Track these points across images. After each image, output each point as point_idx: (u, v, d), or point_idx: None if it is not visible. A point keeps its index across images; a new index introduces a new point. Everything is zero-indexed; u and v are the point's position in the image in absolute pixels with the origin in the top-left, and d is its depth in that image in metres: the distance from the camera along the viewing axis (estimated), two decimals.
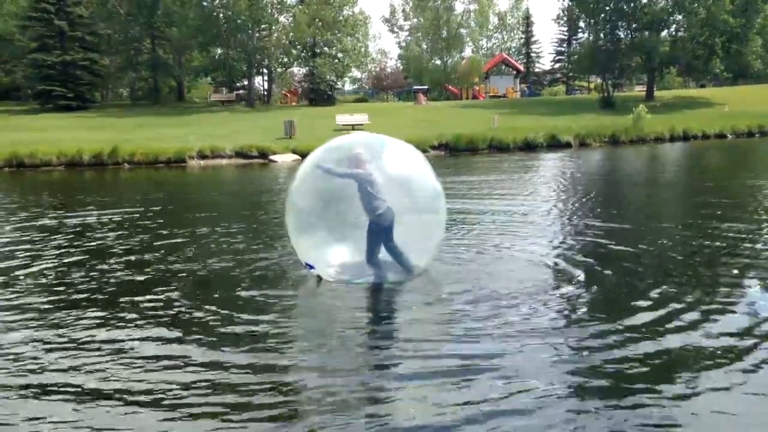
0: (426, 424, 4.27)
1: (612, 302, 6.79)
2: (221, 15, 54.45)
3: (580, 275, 7.79)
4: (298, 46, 58.36)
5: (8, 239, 11.23)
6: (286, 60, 60.26)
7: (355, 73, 73.45)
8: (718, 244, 9.32)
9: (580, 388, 4.74)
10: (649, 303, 6.63)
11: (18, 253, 9.93)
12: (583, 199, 14.82)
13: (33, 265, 9.02)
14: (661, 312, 6.33)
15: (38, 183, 22.81)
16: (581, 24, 60.88)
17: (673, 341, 5.60)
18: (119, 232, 11.62)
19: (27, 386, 4.98)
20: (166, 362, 5.40)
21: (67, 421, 4.41)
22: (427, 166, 7.92)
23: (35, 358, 5.56)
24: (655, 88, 55.01)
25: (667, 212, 13.33)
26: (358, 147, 7.55)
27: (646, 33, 51.26)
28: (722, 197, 14.32)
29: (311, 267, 7.62)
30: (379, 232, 7.42)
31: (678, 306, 6.51)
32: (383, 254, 7.62)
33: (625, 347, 5.46)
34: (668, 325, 5.97)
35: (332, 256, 7.86)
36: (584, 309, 6.54)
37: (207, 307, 6.82)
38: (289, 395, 4.77)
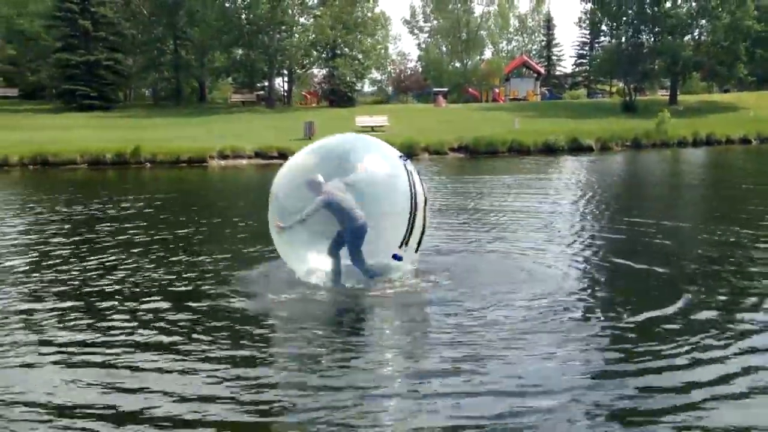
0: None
1: (637, 306, 6.71)
2: (243, 16, 54.80)
3: (600, 278, 7.77)
4: (319, 47, 58.55)
5: (24, 233, 11.40)
6: (306, 61, 60.46)
7: (375, 74, 73.58)
8: (749, 248, 9.22)
9: (606, 395, 4.68)
10: (679, 307, 6.56)
11: (30, 248, 10.07)
12: (609, 202, 14.71)
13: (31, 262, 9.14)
14: (691, 316, 6.29)
15: (61, 181, 23.06)
16: (603, 27, 60.37)
17: (704, 344, 5.53)
18: (131, 228, 11.75)
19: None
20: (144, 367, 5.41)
21: None
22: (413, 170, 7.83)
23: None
24: (678, 93, 54.45)
25: (698, 216, 13.17)
26: (315, 169, 7.39)
27: (669, 37, 50.76)
28: (755, 202, 14.15)
29: (398, 258, 7.41)
30: (358, 237, 7.29)
31: (710, 307, 6.50)
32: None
33: (653, 351, 5.40)
34: (697, 328, 5.91)
35: (312, 256, 7.72)
36: (600, 311, 6.48)
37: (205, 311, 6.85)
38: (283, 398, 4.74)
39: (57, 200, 16.47)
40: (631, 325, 6.10)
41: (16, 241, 10.96)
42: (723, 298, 6.91)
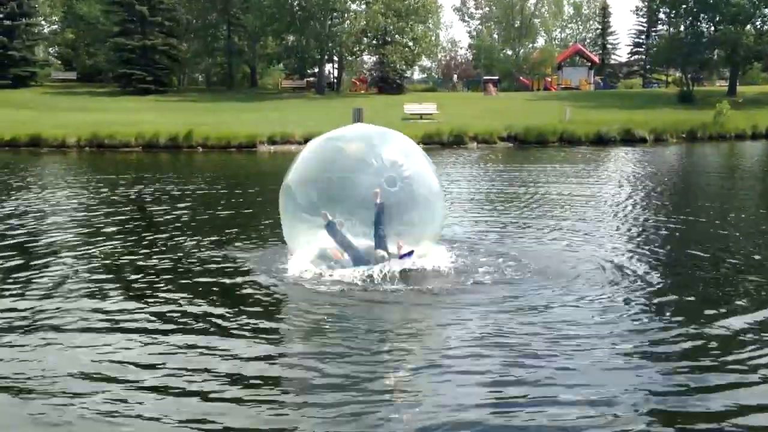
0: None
1: (684, 302, 6.56)
2: (295, 3, 55.10)
3: (667, 273, 7.60)
4: (369, 34, 58.52)
5: (80, 209, 11.80)
6: (357, 48, 60.54)
7: (425, 62, 73.14)
8: None
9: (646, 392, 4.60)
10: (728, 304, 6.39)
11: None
12: (665, 194, 14.40)
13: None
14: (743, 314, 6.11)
15: (116, 163, 23.67)
16: (661, 15, 58.76)
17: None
18: (176, 208, 12.04)
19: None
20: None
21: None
22: (427, 162, 7.87)
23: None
24: (737, 84, 52.67)
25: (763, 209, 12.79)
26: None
27: (730, 26, 49.08)
28: None
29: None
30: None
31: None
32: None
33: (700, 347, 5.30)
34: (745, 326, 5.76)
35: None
36: (643, 308, 6.36)
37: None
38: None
39: (111, 180, 16.93)
40: (708, 328, 5.75)
41: (71, 217, 11.44)
42: None
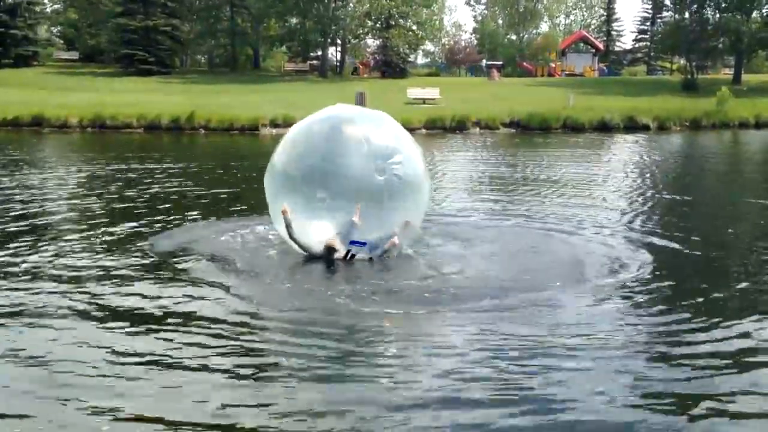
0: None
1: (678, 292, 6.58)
2: None
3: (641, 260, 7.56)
4: (373, 17, 58.19)
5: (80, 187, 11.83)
6: (360, 31, 60.20)
7: (429, 46, 72.69)
8: None
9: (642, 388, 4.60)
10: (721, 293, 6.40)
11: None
12: (665, 182, 14.39)
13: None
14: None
15: (118, 143, 23.65)
16: (667, 2, 58.38)
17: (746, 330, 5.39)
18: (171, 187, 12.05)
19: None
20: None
21: None
22: (415, 147, 7.64)
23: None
24: (742, 72, 52.41)
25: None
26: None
27: (735, 15, 48.75)
28: None
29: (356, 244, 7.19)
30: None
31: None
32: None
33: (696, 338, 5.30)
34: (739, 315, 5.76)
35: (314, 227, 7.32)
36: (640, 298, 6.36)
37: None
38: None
39: (111, 161, 16.94)
40: (720, 319, 5.59)
41: (73, 191, 11.47)
42: None
